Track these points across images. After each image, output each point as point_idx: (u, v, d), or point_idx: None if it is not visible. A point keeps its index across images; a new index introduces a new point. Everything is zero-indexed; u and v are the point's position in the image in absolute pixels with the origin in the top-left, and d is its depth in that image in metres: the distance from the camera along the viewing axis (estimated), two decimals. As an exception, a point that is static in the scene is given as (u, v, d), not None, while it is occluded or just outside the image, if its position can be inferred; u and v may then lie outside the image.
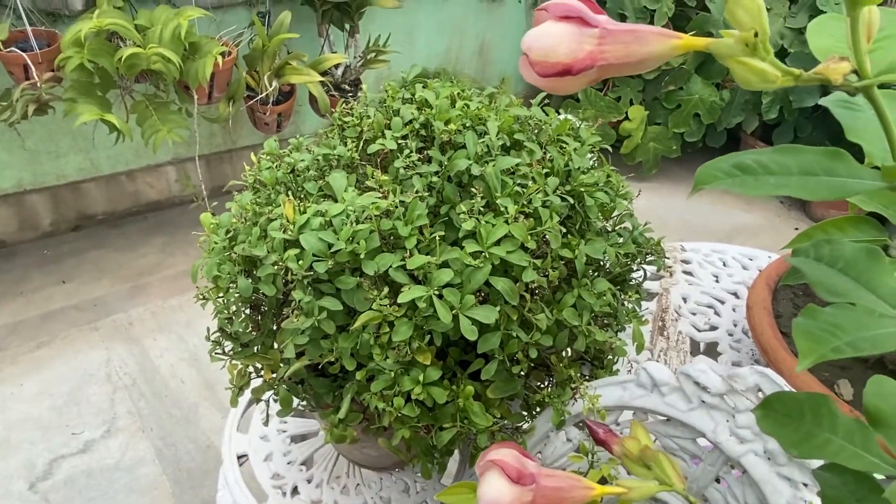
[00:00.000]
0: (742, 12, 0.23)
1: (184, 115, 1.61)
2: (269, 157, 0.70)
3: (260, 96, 1.69)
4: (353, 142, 0.68)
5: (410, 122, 0.66)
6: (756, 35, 0.24)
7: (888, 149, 0.27)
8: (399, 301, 0.54)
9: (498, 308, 0.55)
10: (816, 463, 0.50)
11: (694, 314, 0.97)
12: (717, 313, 0.97)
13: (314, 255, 0.55)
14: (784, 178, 0.27)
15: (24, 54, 1.39)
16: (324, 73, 1.79)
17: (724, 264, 1.07)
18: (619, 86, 2.32)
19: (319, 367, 0.66)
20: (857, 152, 0.32)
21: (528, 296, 0.58)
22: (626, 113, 2.29)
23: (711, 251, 1.07)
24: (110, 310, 1.70)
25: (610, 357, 0.70)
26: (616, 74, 0.26)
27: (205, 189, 1.97)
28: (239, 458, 0.87)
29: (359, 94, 1.90)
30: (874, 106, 0.25)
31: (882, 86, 0.27)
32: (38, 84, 1.41)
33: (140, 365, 1.53)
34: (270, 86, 1.68)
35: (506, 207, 0.57)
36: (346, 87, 1.91)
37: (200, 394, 1.47)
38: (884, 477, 0.33)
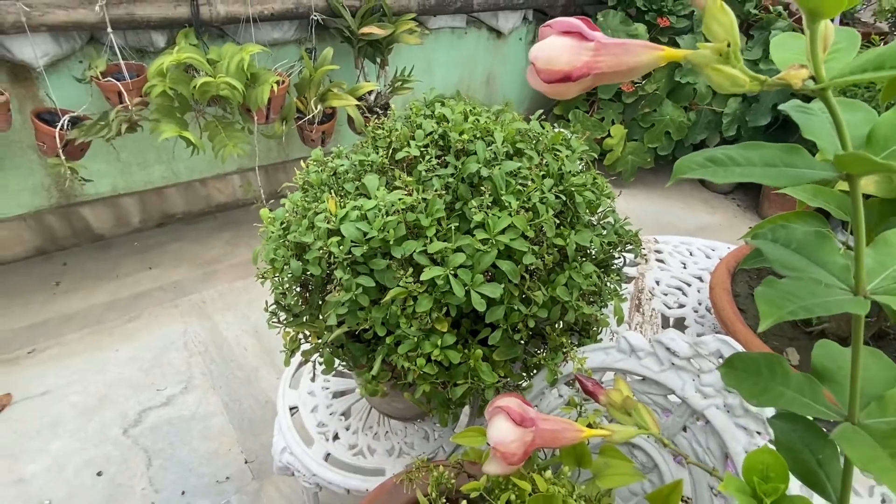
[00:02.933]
0: (716, 25, 0.23)
1: (246, 132, 1.62)
2: (315, 163, 0.70)
3: (307, 117, 1.69)
4: (383, 150, 0.68)
5: (431, 133, 0.66)
6: (729, 45, 0.23)
7: (839, 144, 0.26)
8: (421, 279, 0.54)
9: (502, 286, 0.55)
10: (770, 416, 0.49)
11: (665, 294, 0.96)
12: (684, 294, 0.97)
13: (352, 241, 0.55)
14: (749, 168, 0.26)
15: (118, 83, 1.41)
16: (359, 98, 1.79)
17: (691, 253, 1.06)
18: (603, 108, 2.29)
19: (356, 333, 0.66)
20: (811, 151, 0.31)
21: (527, 276, 0.58)
22: (609, 131, 2.26)
23: (680, 243, 1.06)
24: (187, 291, 1.71)
25: (595, 328, 0.70)
26: (609, 82, 0.25)
27: (263, 193, 1.99)
28: (290, 409, 0.88)
29: (388, 112, 1.91)
30: (828, 106, 0.24)
31: (841, 94, 0.26)
32: (130, 107, 1.42)
33: (211, 335, 1.55)
34: (316, 109, 1.69)
35: (509, 203, 0.57)
36: (378, 109, 1.91)
37: (259, 359, 1.48)
38: (829, 423, 0.32)
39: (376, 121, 0.73)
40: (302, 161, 0.76)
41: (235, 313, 1.63)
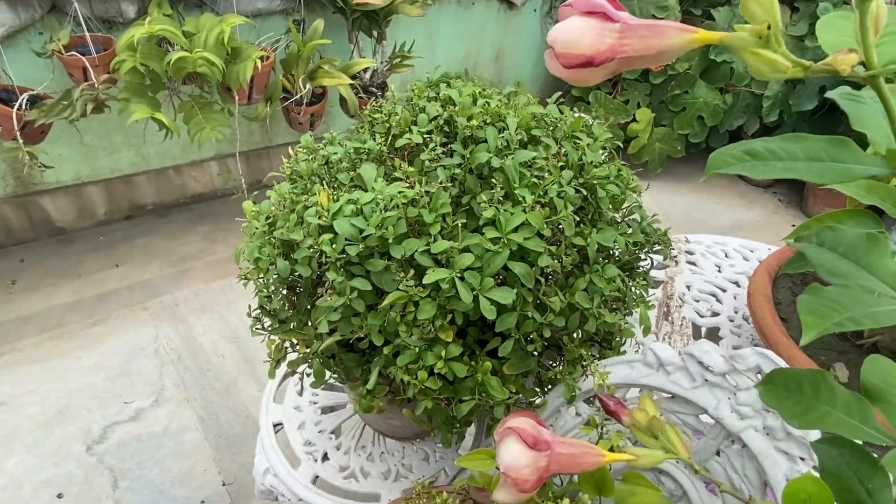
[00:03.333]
0: (755, 6, 0.23)
1: (226, 114, 1.63)
2: (305, 151, 0.70)
3: (295, 98, 1.69)
4: (382, 136, 0.68)
5: (435, 118, 0.66)
6: (769, 28, 0.23)
7: (891, 136, 0.26)
8: (424, 282, 0.54)
9: (515, 290, 0.55)
10: (814, 439, 0.49)
11: (697, 301, 0.96)
12: (718, 301, 0.96)
13: (346, 239, 0.55)
14: (791, 163, 0.26)
15: (83, 58, 1.41)
16: (353, 77, 1.79)
17: (727, 255, 1.05)
18: (628, 89, 2.29)
19: (350, 342, 0.66)
20: (861, 143, 0.32)
21: (542, 280, 0.58)
22: (634, 115, 2.26)
23: (714, 243, 1.06)
24: (159, 291, 1.72)
25: (618, 339, 0.70)
26: (635, 67, 0.26)
27: (244, 182, 1.99)
28: (275, 426, 0.88)
29: (385, 93, 1.90)
30: (880, 95, 0.25)
31: (888, 81, 0.26)
32: (96, 85, 1.43)
33: (185, 341, 1.56)
34: (304, 88, 1.69)
35: (523, 197, 0.57)
36: (374, 89, 1.91)
37: (239, 368, 1.49)
38: (881, 448, 0.33)
39: (373, 103, 0.73)
40: (290, 148, 0.76)
41: (212, 317, 1.64)
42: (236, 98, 1.59)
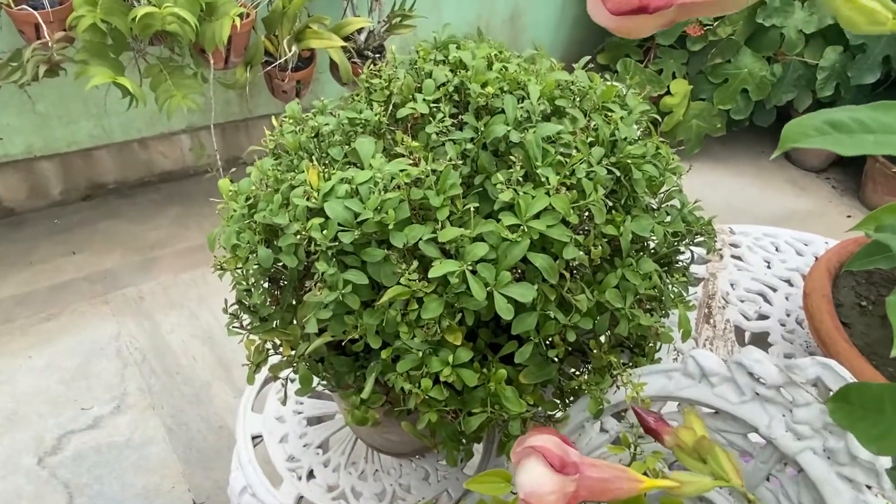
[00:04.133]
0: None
1: (199, 80, 1.61)
2: (291, 121, 0.69)
3: (279, 62, 1.68)
4: (380, 105, 0.67)
5: (444, 84, 0.65)
6: (866, -32, 0.21)
7: None
8: (429, 276, 0.53)
9: (535, 286, 0.54)
10: (887, 466, 0.48)
11: (742, 301, 0.95)
12: (768, 301, 0.95)
13: (339, 224, 0.54)
14: (886, 136, 0.25)
15: (35, 12, 1.39)
16: (346, 39, 1.77)
17: (777, 249, 1.04)
18: (662, 57, 2.27)
19: (341, 344, 0.65)
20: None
21: (567, 274, 0.57)
22: (668, 87, 2.24)
23: (763, 234, 1.05)
24: (121, 283, 1.72)
25: (651, 344, 0.69)
26: (698, 14, 0.24)
27: (220, 159, 1.97)
28: (253, 438, 0.87)
29: (383, 57, 1.88)
30: None
31: None
32: (50, 44, 1.41)
33: (151, 340, 1.55)
34: (290, 51, 1.67)
35: (547, 178, 0.55)
36: (370, 53, 1.89)
37: (213, 372, 1.48)
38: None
39: (372, 67, 0.72)
40: (273, 118, 0.74)
41: (182, 313, 1.63)
42: (211, 61, 1.57)
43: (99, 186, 1.99)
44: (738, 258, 1.02)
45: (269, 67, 1.71)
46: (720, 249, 0.99)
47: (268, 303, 0.65)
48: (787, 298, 0.95)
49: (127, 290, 1.70)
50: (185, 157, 2.09)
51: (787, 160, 2.48)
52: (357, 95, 0.71)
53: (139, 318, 1.62)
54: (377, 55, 1.91)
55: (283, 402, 0.74)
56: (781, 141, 0.26)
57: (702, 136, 2.32)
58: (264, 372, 0.77)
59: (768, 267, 1.01)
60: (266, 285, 0.68)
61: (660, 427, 0.41)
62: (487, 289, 0.52)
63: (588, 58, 0.74)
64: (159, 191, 2.05)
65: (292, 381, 0.74)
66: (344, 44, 1.72)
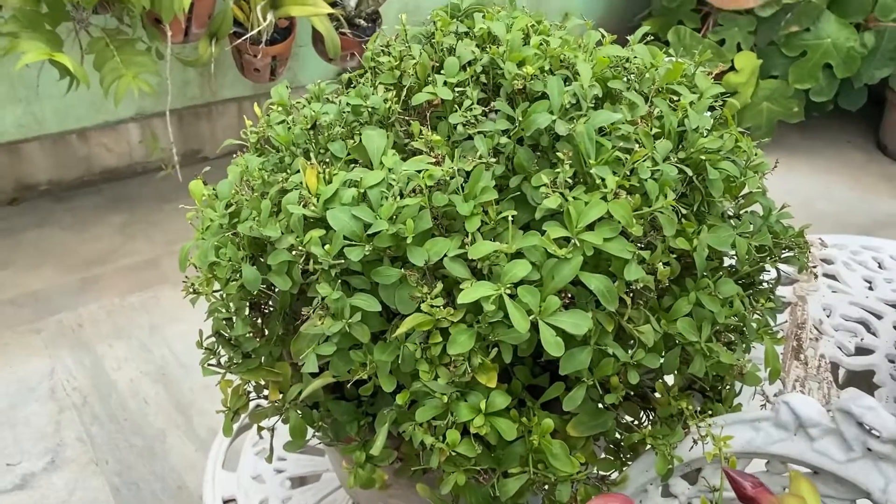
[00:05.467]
0: None
1: (153, 56, 1.62)
2: (280, 109, 0.69)
3: (251, 34, 1.69)
4: (390, 90, 0.67)
5: (470, 63, 0.65)
6: None
7: None
8: (457, 302, 0.53)
9: (589, 314, 0.54)
10: None
11: (839, 331, 0.95)
12: (871, 331, 0.95)
13: (345, 237, 0.55)
14: None
15: (-47, -26, 1.41)
16: (333, 4, 1.79)
17: (880, 266, 1.04)
18: (723, 24, 2.27)
19: (341, 386, 0.65)
20: None
21: (628, 299, 0.57)
22: (732, 61, 2.24)
23: (861, 247, 1.05)
24: (55, 307, 1.72)
25: (729, 387, 0.69)
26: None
27: (176, 153, 1.98)
28: (225, 502, 0.87)
29: (377, 26, 1.89)
30: None
31: None
32: (-29, 13, 1.43)
33: (92, 379, 1.55)
34: (264, 20, 1.68)
35: (602, 179, 0.56)
36: (362, 21, 1.91)
37: (169, 418, 1.48)
38: None
39: (377, 41, 0.72)
40: (255, 105, 0.75)
41: (130, 344, 1.63)
42: (168, 34, 1.59)
43: (28, 188, 2.00)
44: (833, 277, 1.02)
45: (238, 40, 1.72)
46: (814, 267, 0.99)
47: (252, 335, 0.65)
48: (895, 328, 0.94)
49: (62, 315, 1.70)
50: (134, 151, 2.10)
51: (881, 151, 2.47)
52: (361, 76, 0.72)
53: (77, 350, 1.62)
54: (371, 24, 1.93)
55: (270, 459, 0.74)
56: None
57: (774, 122, 2.32)
58: (239, 419, 0.77)
59: (870, 288, 1.00)
60: (247, 312, 0.68)
61: (760, 495, 0.41)
62: (531, 318, 0.52)
63: (646, 28, 0.74)
64: (101, 193, 2.06)
65: (273, 429, 0.74)
66: (331, 10, 1.73)
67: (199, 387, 1.53)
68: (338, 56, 1.83)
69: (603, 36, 0.73)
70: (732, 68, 2.25)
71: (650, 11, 2.45)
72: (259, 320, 0.70)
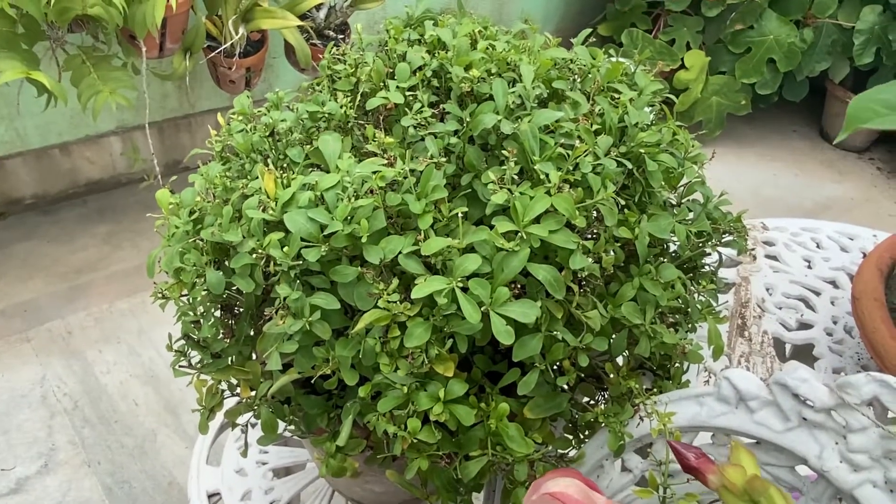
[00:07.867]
0: None
1: (130, 71, 1.60)
2: (241, 118, 0.69)
3: (224, 47, 1.68)
4: (346, 96, 0.67)
5: (421, 68, 0.65)
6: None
7: None
8: (412, 296, 0.53)
9: (539, 303, 0.54)
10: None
11: (781, 309, 0.95)
12: (810, 308, 0.96)
13: (303, 239, 0.54)
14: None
15: (-71, -2, 1.38)
16: (303, 17, 1.78)
17: (819, 245, 1.05)
18: (673, 25, 2.29)
19: (310, 382, 0.65)
20: None
21: (575, 287, 0.57)
22: (682, 59, 2.26)
23: (801, 229, 1.06)
24: (44, 316, 1.70)
25: (677, 365, 0.69)
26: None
27: (157, 164, 1.96)
28: (210, 497, 0.87)
29: (347, 37, 1.88)
30: None
31: None
32: (-52, 36, 1.40)
33: (83, 384, 1.54)
34: (236, 33, 1.67)
35: (546, 174, 0.56)
36: (331, 32, 1.90)
37: (158, 418, 1.47)
38: None
39: (334, 51, 0.72)
40: (219, 115, 0.74)
41: (119, 349, 1.62)
42: (143, 49, 1.57)
43: (13, 202, 1.97)
44: (774, 258, 1.02)
45: (212, 54, 1.70)
46: (752, 249, 1.00)
47: (221, 336, 0.65)
48: (832, 303, 0.95)
49: (52, 324, 1.68)
50: (116, 163, 2.07)
51: (823, 139, 2.51)
52: (318, 84, 0.72)
53: (67, 357, 1.60)
54: (340, 35, 1.92)
55: (244, 454, 0.74)
56: (847, 122, 0.26)
57: (724, 115, 2.34)
58: (220, 417, 0.77)
59: (809, 267, 1.01)
60: (218, 314, 0.67)
61: (703, 465, 0.41)
62: (482, 309, 0.52)
63: (589, 30, 0.75)
64: (86, 204, 2.04)
65: (253, 426, 0.73)
66: (301, 23, 1.72)
67: (188, 387, 1.52)
68: (309, 66, 1.82)
69: (549, 39, 0.73)
70: (683, 66, 2.26)
71: (605, 15, 2.46)
72: (231, 321, 0.70)
